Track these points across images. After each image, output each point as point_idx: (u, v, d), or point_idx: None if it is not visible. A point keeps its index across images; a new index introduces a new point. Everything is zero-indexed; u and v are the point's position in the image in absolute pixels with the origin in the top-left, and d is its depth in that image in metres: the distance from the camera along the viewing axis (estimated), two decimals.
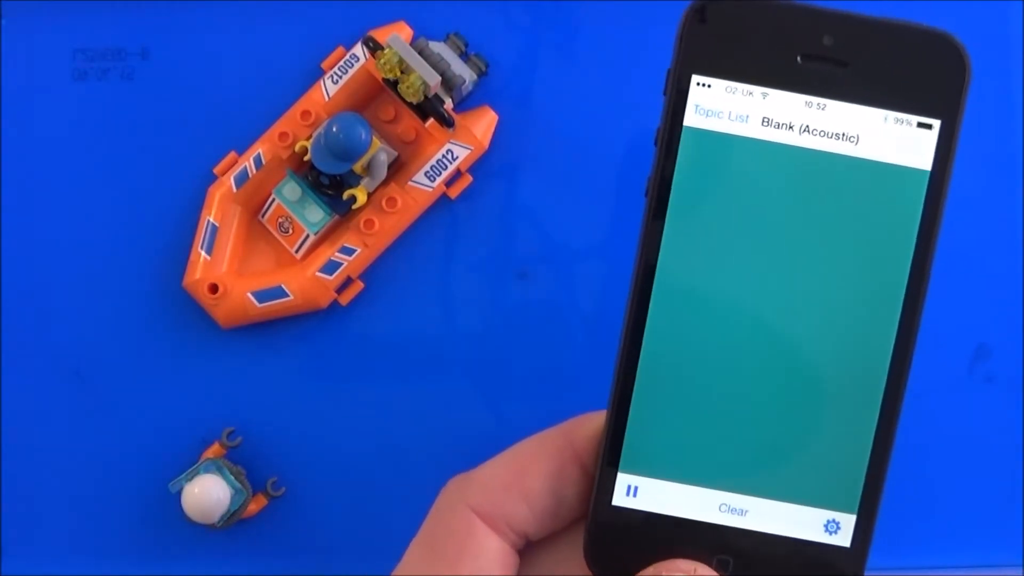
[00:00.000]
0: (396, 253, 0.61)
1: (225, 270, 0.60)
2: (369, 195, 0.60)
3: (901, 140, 0.35)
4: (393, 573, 0.38)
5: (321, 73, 0.61)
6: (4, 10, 0.63)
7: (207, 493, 0.57)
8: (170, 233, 0.62)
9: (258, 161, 0.60)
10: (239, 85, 0.63)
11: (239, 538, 0.61)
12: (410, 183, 0.60)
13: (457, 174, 0.61)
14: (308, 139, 0.60)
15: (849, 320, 0.35)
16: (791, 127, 0.35)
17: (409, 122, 0.62)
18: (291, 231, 0.61)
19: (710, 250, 0.35)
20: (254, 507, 0.59)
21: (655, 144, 0.36)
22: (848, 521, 0.36)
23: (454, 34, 0.61)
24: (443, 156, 0.60)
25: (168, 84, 0.63)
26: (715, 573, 0.36)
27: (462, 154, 0.60)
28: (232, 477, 0.58)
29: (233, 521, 0.58)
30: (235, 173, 0.61)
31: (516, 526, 0.37)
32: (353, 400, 0.61)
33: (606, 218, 0.61)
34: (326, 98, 0.60)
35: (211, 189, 0.61)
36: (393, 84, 0.59)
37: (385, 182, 0.60)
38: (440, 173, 0.60)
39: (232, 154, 0.61)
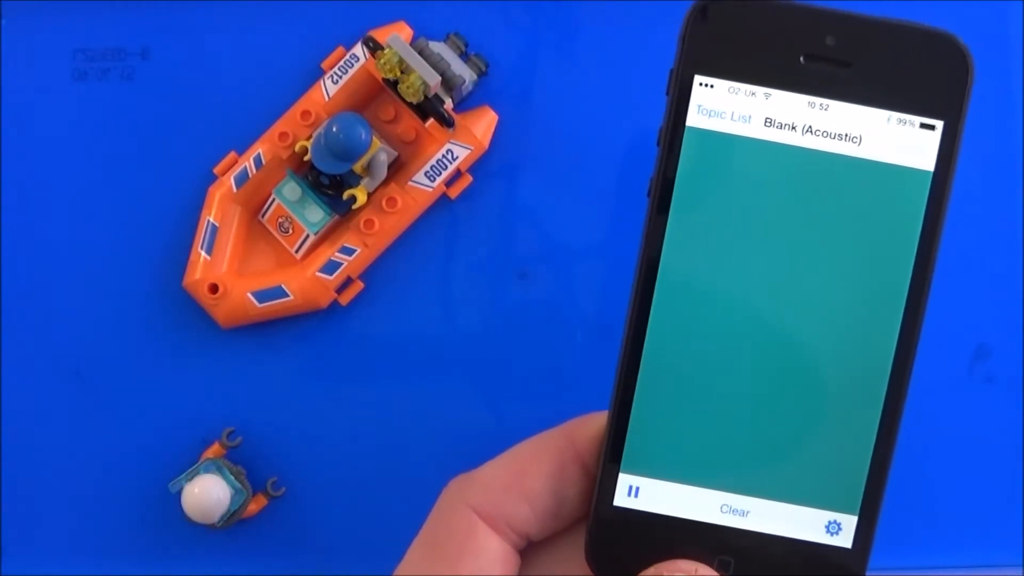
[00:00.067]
0: (396, 253, 0.61)
1: (225, 270, 0.60)
2: (369, 195, 0.60)
3: (904, 141, 0.35)
4: (394, 573, 0.38)
5: (321, 73, 0.61)
6: (4, 10, 0.63)
7: (207, 493, 0.57)
8: (170, 233, 0.62)
9: (258, 161, 0.60)
10: (239, 85, 0.63)
11: (239, 538, 0.61)
12: (410, 183, 0.60)
13: (457, 174, 0.61)
14: (308, 139, 0.60)
15: (851, 321, 0.35)
16: (794, 128, 0.35)
17: (409, 122, 0.62)
18: (291, 231, 0.61)
19: (712, 251, 0.35)
20: (254, 507, 0.59)
21: (657, 144, 0.36)
22: (849, 522, 0.36)
23: (454, 34, 0.61)
24: (443, 156, 0.60)
25: (168, 84, 0.63)
26: (716, 574, 0.36)
27: (462, 154, 0.60)
28: (232, 477, 0.58)
29: (233, 521, 0.58)
30: (235, 173, 0.61)
31: (517, 526, 0.37)
32: (353, 400, 0.61)
33: (606, 218, 0.61)
34: (326, 98, 0.60)
35: (211, 189, 0.61)
36: (393, 84, 0.59)
37: (385, 182, 0.60)
38: (440, 173, 0.60)
39: (232, 154, 0.61)
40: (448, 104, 0.60)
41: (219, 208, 0.60)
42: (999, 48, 0.62)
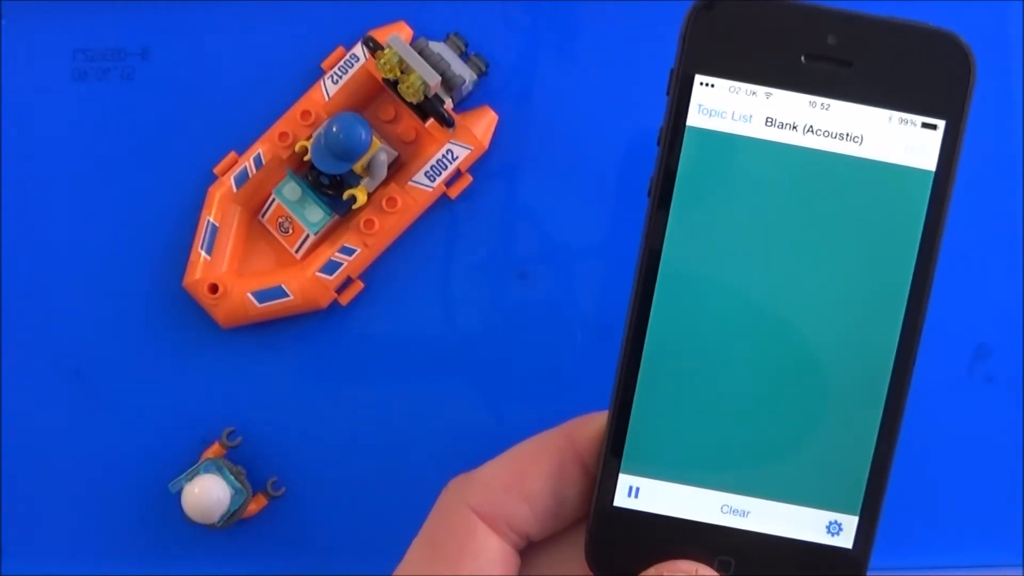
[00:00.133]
0: (396, 253, 0.61)
1: (225, 270, 0.60)
2: (369, 195, 0.60)
3: (905, 140, 0.35)
4: (394, 573, 0.38)
5: (321, 73, 0.61)
6: (4, 10, 0.63)
7: (207, 493, 0.57)
8: (170, 233, 0.62)
9: (258, 161, 0.60)
10: (239, 85, 0.63)
11: (239, 538, 0.61)
12: (410, 183, 0.60)
13: (457, 174, 0.61)
14: (308, 139, 0.60)
15: (852, 321, 0.35)
16: (795, 127, 0.35)
17: (409, 122, 0.62)
18: (291, 231, 0.61)
19: (713, 251, 0.35)
20: (254, 507, 0.59)
21: (658, 144, 0.36)
22: (850, 522, 0.36)
23: (454, 34, 0.61)
24: (443, 156, 0.60)
25: (168, 84, 0.63)
26: (716, 574, 0.36)
27: (462, 154, 0.60)
28: (232, 477, 0.58)
29: (233, 521, 0.58)
30: (235, 173, 0.60)
31: (517, 526, 0.37)
32: (353, 400, 0.61)
33: (606, 218, 0.61)
34: (326, 98, 0.60)
35: (211, 189, 0.61)
36: (393, 84, 0.59)
37: (385, 182, 0.60)
38: (440, 173, 0.60)
39: (232, 154, 0.61)
40: (448, 104, 0.60)
41: (219, 208, 0.60)
42: (999, 48, 0.62)
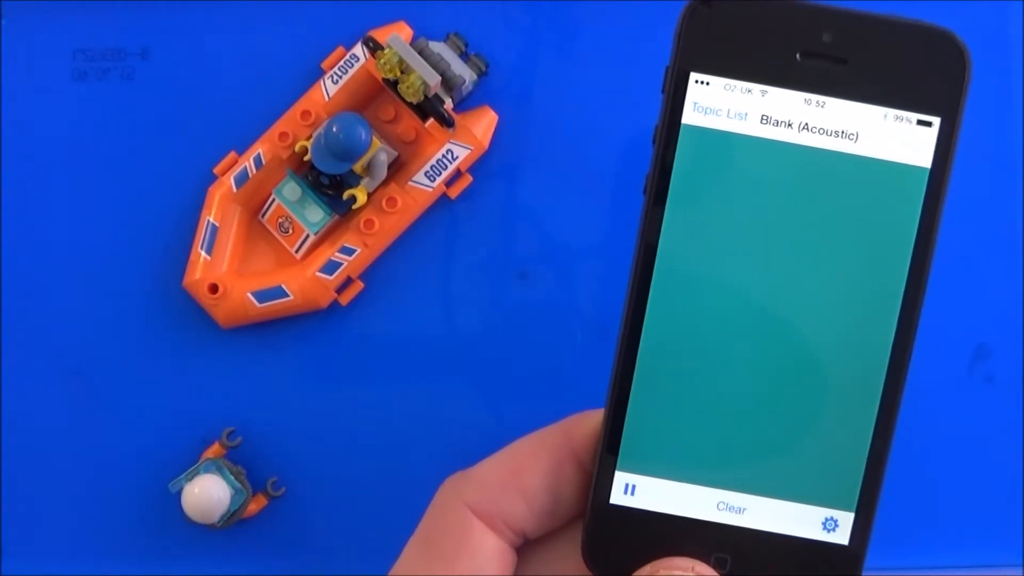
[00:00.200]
0: (396, 253, 0.61)
1: (225, 270, 0.60)
2: (369, 195, 0.60)
3: (901, 138, 0.35)
4: (390, 572, 0.38)
5: (321, 73, 0.61)
6: (4, 10, 0.63)
7: (207, 493, 0.57)
8: (170, 233, 0.62)
9: (258, 161, 0.60)
10: (239, 85, 0.63)
11: (239, 538, 0.61)
12: (410, 183, 0.60)
13: (457, 174, 0.61)
14: (308, 139, 0.60)
15: (848, 317, 0.35)
16: (790, 125, 0.35)
17: (409, 122, 0.62)
18: (291, 231, 0.61)
19: (708, 248, 0.35)
20: (254, 507, 0.59)
21: (653, 142, 0.36)
22: (846, 519, 0.36)
23: (454, 34, 0.61)
24: (443, 156, 0.60)
25: (168, 84, 0.63)
26: (713, 571, 0.36)
27: (462, 154, 0.60)
28: (232, 477, 0.58)
29: (233, 521, 0.58)
30: (235, 173, 0.61)
31: (513, 524, 0.37)
32: (353, 400, 0.61)
33: (606, 218, 0.61)
34: (326, 98, 0.60)
35: (211, 189, 0.61)
36: (393, 84, 0.59)
37: (385, 182, 0.60)
38: (440, 173, 0.60)
39: (232, 154, 0.61)
40: (448, 104, 0.60)
41: (219, 208, 0.61)
42: (999, 47, 0.62)
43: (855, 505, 0.36)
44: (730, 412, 0.36)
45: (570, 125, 0.62)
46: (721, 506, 0.36)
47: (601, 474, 0.36)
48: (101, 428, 0.61)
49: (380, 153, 0.59)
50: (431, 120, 0.60)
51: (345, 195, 0.60)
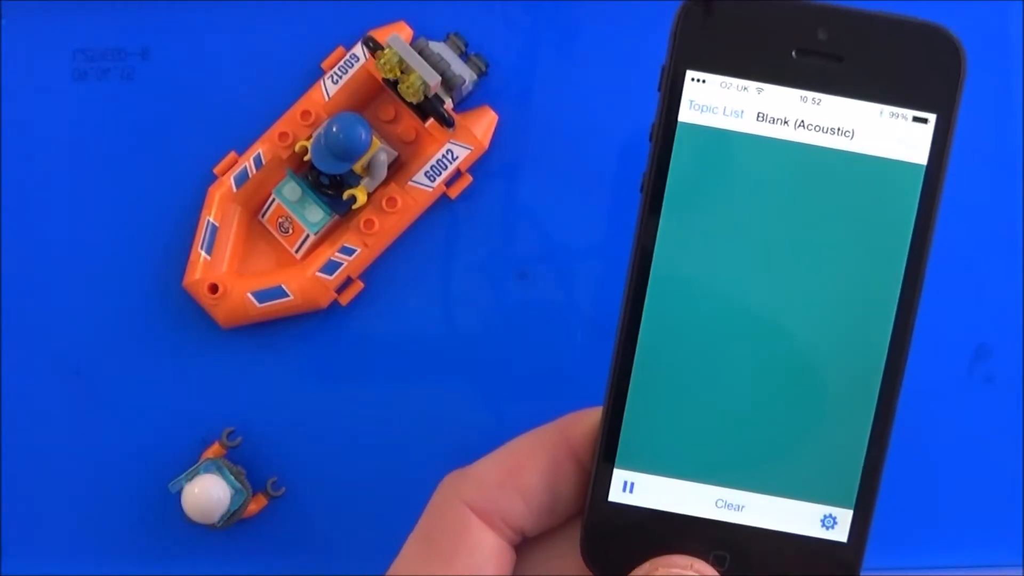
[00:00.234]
0: (396, 253, 0.61)
1: (225, 270, 0.60)
2: (369, 195, 0.60)
3: (896, 134, 0.35)
4: (389, 570, 0.38)
5: (321, 73, 0.61)
6: (4, 10, 0.63)
7: (207, 493, 0.57)
8: (170, 233, 0.62)
9: (258, 161, 0.60)
10: (239, 85, 0.63)
11: (239, 538, 0.61)
12: (410, 183, 0.60)
13: (457, 174, 0.61)
14: (308, 139, 0.60)
15: (845, 314, 0.35)
16: (786, 122, 0.35)
17: (409, 122, 0.62)
18: (291, 231, 0.61)
19: (705, 246, 0.35)
20: (254, 507, 0.59)
21: (650, 140, 0.36)
22: (845, 516, 0.36)
23: (454, 34, 0.61)
24: (443, 156, 0.60)
25: (168, 84, 0.63)
26: (712, 569, 0.36)
27: (462, 154, 0.60)
28: (232, 477, 0.58)
29: (233, 521, 0.58)
30: (235, 173, 0.61)
31: (512, 522, 0.37)
32: (353, 400, 0.61)
33: (606, 218, 0.61)
34: (326, 98, 0.61)
35: (211, 189, 0.61)
36: (393, 84, 0.59)
37: (385, 182, 0.60)
38: (440, 173, 0.60)
39: (232, 154, 0.61)
40: (448, 104, 0.60)
41: (219, 208, 0.61)
42: (999, 47, 0.62)
43: (854, 502, 0.36)
44: (728, 409, 0.36)
45: (570, 125, 0.62)
46: (720, 503, 0.36)
47: (599, 471, 0.36)
48: (101, 428, 0.61)
49: (380, 153, 0.59)
50: (431, 120, 0.60)
51: (345, 195, 0.60)
